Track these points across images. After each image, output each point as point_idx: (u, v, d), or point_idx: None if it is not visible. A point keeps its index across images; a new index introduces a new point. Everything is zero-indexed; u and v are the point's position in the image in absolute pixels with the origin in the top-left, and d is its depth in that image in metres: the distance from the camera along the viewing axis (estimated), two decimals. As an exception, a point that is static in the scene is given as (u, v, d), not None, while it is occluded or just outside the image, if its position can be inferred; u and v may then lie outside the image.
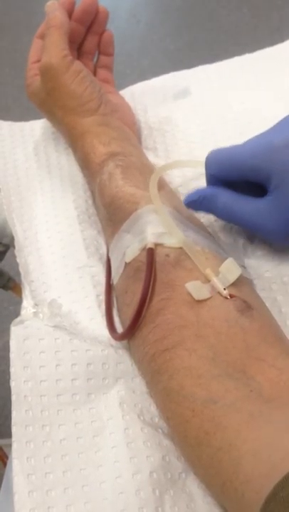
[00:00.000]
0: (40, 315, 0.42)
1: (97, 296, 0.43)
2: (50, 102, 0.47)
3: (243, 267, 0.41)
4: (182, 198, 0.45)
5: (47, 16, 0.47)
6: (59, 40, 0.45)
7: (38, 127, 0.55)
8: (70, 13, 0.49)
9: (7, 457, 0.61)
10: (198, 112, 0.53)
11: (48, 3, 0.47)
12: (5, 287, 0.60)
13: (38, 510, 0.33)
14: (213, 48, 0.72)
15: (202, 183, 0.42)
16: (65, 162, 0.52)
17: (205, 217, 0.45)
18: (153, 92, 0.56)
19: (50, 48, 0.45)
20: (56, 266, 0.45)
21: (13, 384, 0.38)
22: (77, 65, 0.46)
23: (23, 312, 0.42)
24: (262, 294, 0.41)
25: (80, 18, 0.49)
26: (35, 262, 0.46)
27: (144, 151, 0.53)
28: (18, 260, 0.46)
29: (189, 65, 0.59)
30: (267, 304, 0.40)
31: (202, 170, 0.41)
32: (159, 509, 0.34)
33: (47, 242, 0.47)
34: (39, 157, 0.53)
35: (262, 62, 0.57)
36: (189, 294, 0.36)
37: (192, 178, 0.48)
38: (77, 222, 0.48)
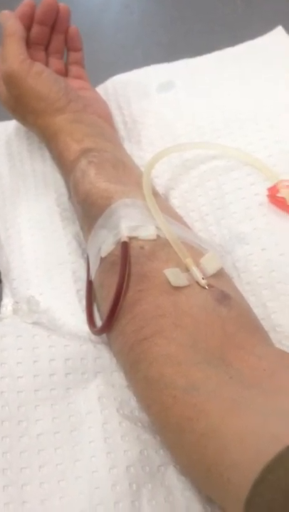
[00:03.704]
0: (20, 312, 0.42)
1: (78, 291, 0.43)
2: (20, 108, 0.48)
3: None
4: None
5: (2, 26, 0.47)
6: (15, 47, 0.46)
7: (21, 126, 0.55)
8: (31, 17, 0.49)
9: None
10: (184, 106, 0.53)
11: (0, 15, 0.47)
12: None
13: (13, 504, 0.33)
14: (208, 38, 0.70)
15: (188, 169, 0.42)
16: (49, 160, 0.52)
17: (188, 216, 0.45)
18: (135, 84, 0.55)
19: (7, 56, 0.46)
20: (38, 263, 0.45)
21: (-11, 381, 0.38)
22: (38, 66, 0.46)
23: (2, 310, 0.42)
24: (248, 287, 0.41)
25: (41, 19, 0.49)
26: (17, 260, 0.46)
27: (128, 143, 0.52)
28: (-2, 259, 0.46)
29: (184, 56, 0.57)
30: (252, 298, 0.40)
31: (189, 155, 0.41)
32: (136, 503, 0.34)
33: (30, 240, 0.47)
34: (22, 156, 0.53)
35: (246, 55, 0.56)
36: (166, 284, 0.36)
37: (177, 165, 0.47)
38: (59, 219, 0.48)
